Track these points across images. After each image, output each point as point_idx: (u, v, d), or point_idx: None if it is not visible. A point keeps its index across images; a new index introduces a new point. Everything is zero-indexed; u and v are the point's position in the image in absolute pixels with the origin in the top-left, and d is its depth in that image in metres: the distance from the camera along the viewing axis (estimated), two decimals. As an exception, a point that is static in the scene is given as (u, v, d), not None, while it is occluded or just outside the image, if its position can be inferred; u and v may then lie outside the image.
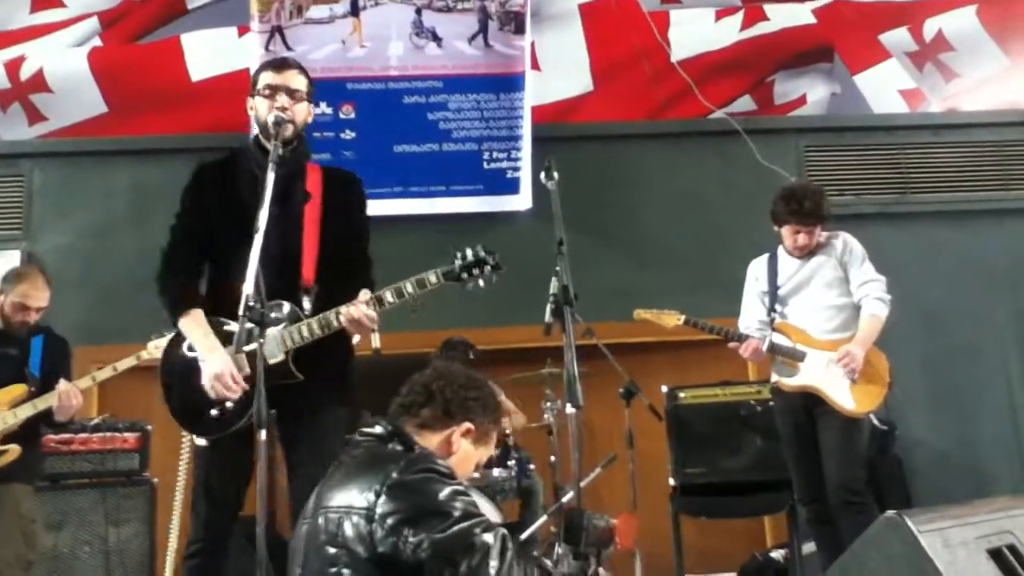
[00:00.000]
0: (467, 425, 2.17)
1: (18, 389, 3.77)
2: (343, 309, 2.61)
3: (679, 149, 6.22)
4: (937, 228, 6.07)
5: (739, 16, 6.30)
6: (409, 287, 2.64)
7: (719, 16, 6.32)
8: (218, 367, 2.60)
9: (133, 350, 5.26)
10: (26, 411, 3.71)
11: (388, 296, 2.64)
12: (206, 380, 2.63)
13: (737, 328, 4.14)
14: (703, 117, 6.23)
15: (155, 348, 3.75)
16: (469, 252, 2.70)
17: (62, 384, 3.71)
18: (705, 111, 6.23)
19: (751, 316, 4.19)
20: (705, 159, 6.21)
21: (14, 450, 3.70)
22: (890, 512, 2.06)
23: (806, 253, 4.07)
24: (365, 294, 2.62)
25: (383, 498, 1.92)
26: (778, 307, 4.10)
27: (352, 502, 1.95)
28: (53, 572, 4.03)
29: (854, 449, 3.88)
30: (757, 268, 4.24)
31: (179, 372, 2.75)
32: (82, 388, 3.77)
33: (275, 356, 2.59)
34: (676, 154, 6.22)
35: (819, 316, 4.02)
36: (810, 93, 6.35)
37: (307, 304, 2.67)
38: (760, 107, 6.31)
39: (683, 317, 4.19)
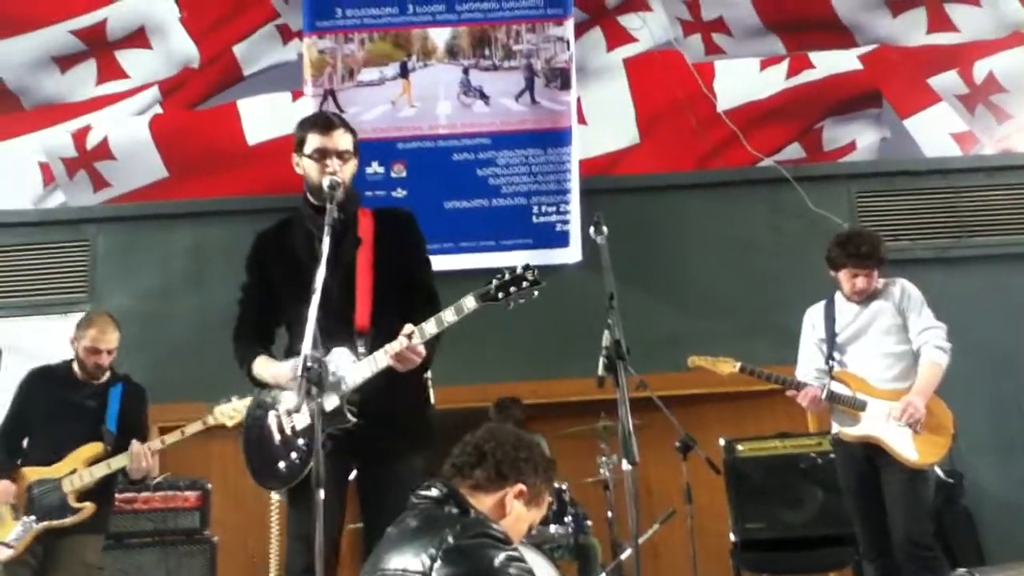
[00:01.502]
0: (520, 487, 2.16)
1: (95, 448, 3.87)
2: (387, 346, 2.62)
3: (727, 198, 6.22)
4: (995, 271, 5.95)
5: (784, 65, 6.32)
6: (449, 315, 2.63)
7: (764, 65, 6.35)
8: (289, 364, 2.68)
9: (194, 408, 5.36)
10: (101, 470, 3.82)
11: (428, 327, 2.62)
12: (290, 380, 2.66)
13: (793, 375, 4.08)
14: (751, 166, 6.23)
15: (220, 414, 3.84)
16: (506, 272, 2.66)
17: (135, 446, 3.80)
18: (753, 160, 6.22)
19: (808, 364, 4.12)
20: (754, 207, 6.19)
21: (88, 508, 3.80)
22: (961, 570, 1.99)
23: (864, 298, 4.01)
24: (407, 327, 2.61)
25: (439, 563, 1.92)
26: (836, 355, 4.04)
27: (408, 565, 1.95)
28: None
29: (920, 501, 3.77)
30: (814, 315, 4.19)
31: (254, 430, 2.80)
32: (153, 450, 3.86)
33: (331, 403, 2.60)
34: (724, 203, 6.21)
35: (878, 364, 3.94)
36: (860, 139, 6.32)
37: (362, 349, 2.69)
38: (809, 154, 6.29)
39: (739, 364, 4.14)
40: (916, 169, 6.21)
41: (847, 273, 3.99)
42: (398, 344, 2.59)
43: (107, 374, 4.03)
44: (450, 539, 1.95)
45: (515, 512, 2.17)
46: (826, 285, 4.15)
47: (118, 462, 3.82)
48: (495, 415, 5.17)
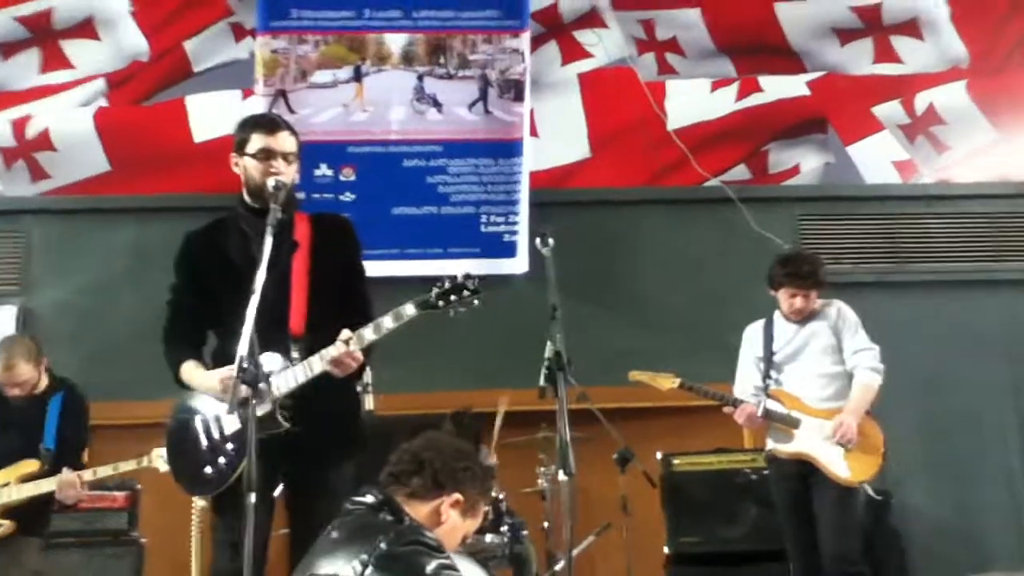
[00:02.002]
0: (456, 496, 2.16)
1: (31, 466, 3.78)
2: (323, 351, 2.59)
3: (675, 216, 6.29)
4: (931, 297, 6.10)
5: (734, 87, 6.42)
6: (388, 321, 2.59)
7: (715, 87, 6.44)
8: (218, 374, 2.62)
9: (128, 407, 5.27)
10: (29, 490, 3.74)
11: (367, 333, 2.59)
12: (217, 391, 2.62)
13: (732, 393, 4.14)
14: (699, 185, 6.31)
15: (158, 458, 3.75)
16: (446, 280, 2.63)
17: (65, 475, 3.72)
18: (701, 179, 6.30)
19: (746, 381, 4.19)
20: (701, 226, 6.27)
21: (8, 526, 3.72)
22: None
23: (802, 318, 4.08)
24: (345, 333, 2.59)
25: (370, 569, 1.91)
26: (773, 373, 4.11)
27: (339, 571, 1.94)
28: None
29: (849, 519, 3.85)
30: (752, 333, 4.26)
31: (179, 435, 2.75)
32: (83, 480, 3.78)
33: (263, 407, 2.55)
34: (672, 220, 6.28)
35: (813, 384, 4.03)
36: (804, 163, 6.44)
37: (295, 354, 2.65)
38: (755, 176, 6.40)
39: (679, 380, 4.20)
40: (858, 195, 6.35)
41: (785, 292, 4.07)
42: (335, 349, 2.56)
43: (44, 383, 3.92)
44: (383, 545, 1.94)
45: (451, 521, 2.16)
46: (768, 305, 4.23)
47: (48, 484, 3.73)
48: (451, 427, 5.15)
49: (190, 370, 2.75)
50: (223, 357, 2.74)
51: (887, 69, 6.48)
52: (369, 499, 2.11)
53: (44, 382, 3.92)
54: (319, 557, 2.02)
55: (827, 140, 6.44)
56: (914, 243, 6.27)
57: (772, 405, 4.02)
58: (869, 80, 6.47)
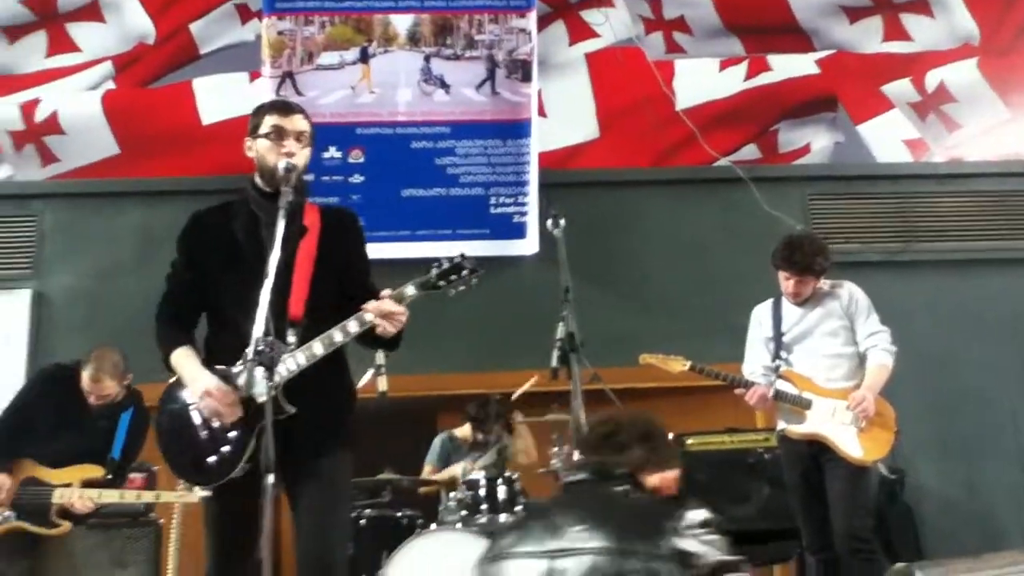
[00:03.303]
0: (676, 472, 2.21)
1: (94, 471, 3.88)
2: (369, 305, 2.57)
3: (684, 196, 6.27)
4: (942, 276, 6.09)
5: (743, 66, 6.39)
6: (409, 290, 2.63)
7: (723, 66, 6.41)
8: (205, 384, 2.58)
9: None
10: (87, 502, 3.82)
11: (366, 316, 2.60)
12: (198, 401, 2.60)
13: (742, 374, 4.14)
14: (708, 165, 6.28)
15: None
16: (444, 260, 2.68)
17: (76, 494, 3.80)
18: (710, 159, 6.28)
19: (755, 362, 4.19)
20: (710, 206, 6.25)
21: (65, 527, 3.82)
22: (900, 564, 2.04)
23: (803, 301, 4.10)
24: (386, 292, 2.61)
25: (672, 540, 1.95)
26: (783, 354, 4.11)
27: (612, 544, 1.95)
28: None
29: (861, 497, 3.87)
30: (761, 313, 4.26)
31: (173, 424, 2.71)
32: (95, 501, 3.87)
33: (262, 394, 2.50)
34: (681, 201, 6.27)
35: (823, 364, 4.03)
36: (814, 142, 6.41)
37: (291, 338, 2.62)
38: (764, 155, 6.37)
39: (689, 363, 4.20)
40: (868, 174, 6.33)
41: (782, 275, 4.10)
42: (384, 303, 2.56)
43: (121, 395, 4.00)
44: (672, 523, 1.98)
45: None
46: (777, 286, 4.22)
47: (108, 496, 3.85)
48: (475, 412, 5.19)
49: (182, 358, 2.70)
50: (214, 347, 2.72)
51: (897, 47, 6.44)
52: (618, 472, 2.12)
53: (121, 394, 4.00)
54: (562, 530, 1.99)
55: (837, 119, 6.40)
56: (925, 222, 6.24)
57: (783, 386, 4.03)
58: (879, 58, 6.43)
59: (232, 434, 2.61)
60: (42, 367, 4.11)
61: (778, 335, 4.12)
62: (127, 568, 4.54)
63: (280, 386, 2.57)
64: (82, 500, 3.79)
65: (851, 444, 3.87)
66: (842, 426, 3.89)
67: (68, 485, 3.81)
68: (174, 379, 2.73)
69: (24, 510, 3.77)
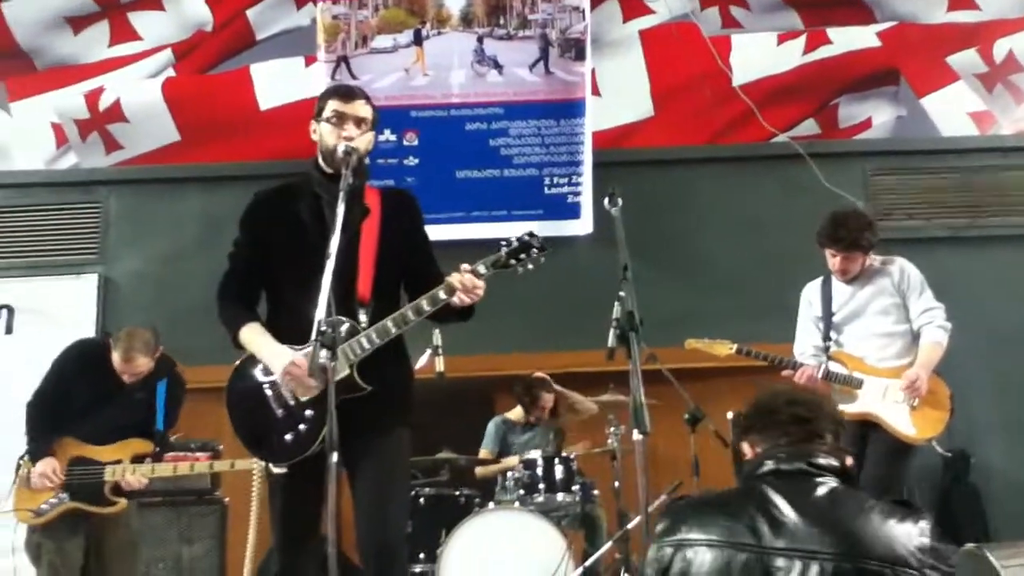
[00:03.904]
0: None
1: (142, 446, 3.89)
2: (454, 277, 2.62)
3: (741, 173, 6.18)
4: (1009, 252, 5.93)
5: (802, 40, 6.26)
6: (482, 268, 2.66)
7: (781, 40, 6.29)
8: (288, 357, 2.62)
9: (202, 372, 5.41)
10: (140, 478, 3.82)
11: (440, 294, 2.64)
12: (279, 377, 2.64)
13: (792, 355, 4.08)
14: (765, 141, 6.19)
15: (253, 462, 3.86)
16: (514, 239, 2.71)
17: (128, 470, 3.81)
18: (767, 135, 6.18)
19: (806, 341, 4.12)
20: (767, 183, 6.15)
21: (121, 504, 3.83)
22: (970, 545, 1.99)
23: (852, 279, 4.01)
24: (465, 266, 2.65)
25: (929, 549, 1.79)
26: (833, 334, 4.04)
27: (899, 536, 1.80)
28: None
29: (894, 473, 3.83)
30: (811, 292, 4.18)
31: (246, 402, 2.75)
32: (157, 475, 3.90)
33: (340, 371, 2.57)
34: (738, 178, 6.18)
35: (874, 343, 3.96)
36: (875, 116, 6.27)
37: (363, 318, 2.67)
38: (824, 131, 6.25)
39: (735, 346, 4.15)
40: (932, 148, 6.17)
41: (829, 253, 4.01)
42: (467, 277, 2.61)
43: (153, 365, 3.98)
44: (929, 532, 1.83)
45: None
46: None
47: (161, 471, 3.87)
48: (521, 390, 5.24)
49: (254, 334, 2.73)
50: (276, 326, 2.76)
51: (962, 16, 6.25)
52: (835, 463, 1.97)
53: (153, 365, 4.00)
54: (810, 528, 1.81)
55: (899, 92, 6.25)
56: (991, 197, 6.08)
57: (833, 367, 3.96)
58: (943, 28, 6.25)
59: (308, 413, 2.65)
60: (68, 345, 4.04)
61: (828, 315, 4.04)
62: (194, 544, 4.64)
63: (355, 365, 2.62)
64: (135, 476, 3.79)
65: (903, 422, 3.81)
66: (894, 405, 3.84)
67: (118, 462, 3.82)
68: (245, 356, 2.77)
69: (77, 490, 3.78)
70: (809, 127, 6.24)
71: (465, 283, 2.61)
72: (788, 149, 6.08)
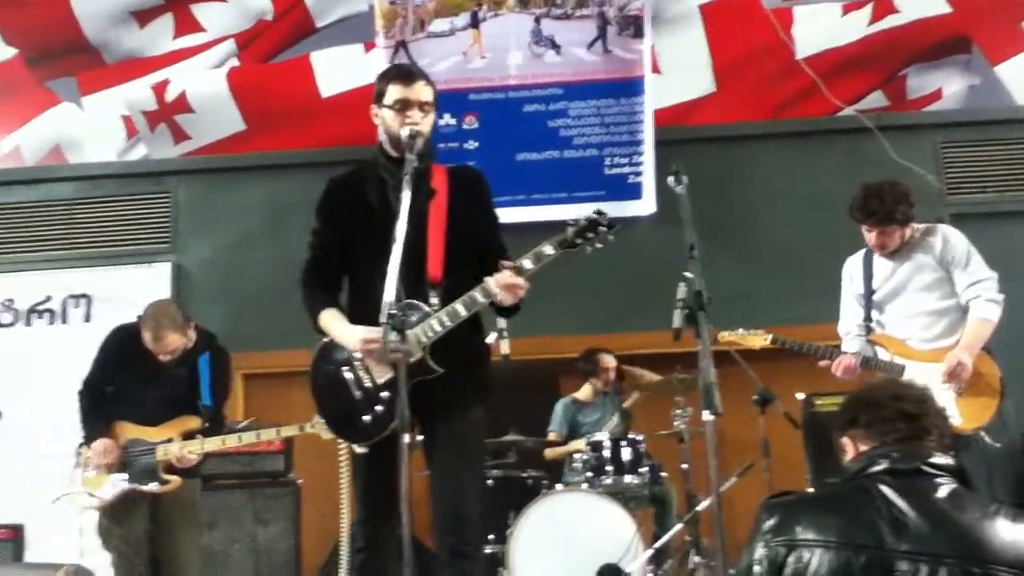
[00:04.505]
0: None
1: (191, 422, 3.89)
2: (493, 279, 2.61)
3: (806, 149, 6.06)
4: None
5: (867, 9, 6.09)
6: (527, 263, 2.64)
7: (846, 10, 6.13)
8: (360, 333, 2.66)
9: (270, 357, 5.54)
10: (192, 450, 3.81)
11: (527, 263, 2.63)
12: (357, 351, 2.68)
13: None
14: (831, 115, 6.05)
15: (319, 424, 3.88)
16: (581, 218, 2.67)
17: (178, 447, 3.81)
18: (833, 109, 6.04)
19: (850, 320, 3.94)
20: (834, 158, 6.02)
21: (175, 482, 3.85)
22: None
23: (893, 253, 3.79)
24: (508, 263, 2.65)
25: None
26: (875, 314, 3.84)
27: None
28: (208, 567, 4.22)
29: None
30: (852, 267, 3.98)
31: (328, 383, 2.81)
32: (206, 450, 3.87)
33: (413, 354, 2.61)
34: (803, 154, 6.07)
35: (918, 323, 3.73)
36: (946, 87, 6.08)
37: (434, 300, 2.69)
38: (892, 103, 6.08)
39: (770, 336, 4.03)
40: (1007, 118, 5.97)
41: (864, 228, 3.79)
42: (505, 276, 2.60)
43: (192, 341, 3.98)
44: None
45: None
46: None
47: (211, 445, 3.85)
48: (584, 365, 5.26)
49: (332, 319, 2.80)
50: (354, 309, 2.81)
51: (1039, -21, 6.02)
52: (952, 462, 1.91)
53: (192, 339, 4.00)
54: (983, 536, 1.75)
55: (971, 61, 6.04)
56: (1071, 168, 5.86)
57: (872, 353, 3.78)
58: (1018, -8, 6.02)
59: (384, 394, 2.70)
60: (109, 332, 4.08)
61: (869, 292, 3.83)
62: (269, 526, 4.73)
63: (428, 347, 2.65)
64: (186, 453, 3.80)
65: (948, 412, 3.62)
66: (938, 390, 3.46)
67: (169, 440, 3.83)
68: (327, 339, 2.83)
69: (133, 471, 3.81)
70: (876, 99, 6.08)
71: (502, 282, 2.61)
72: (855, 123, 5.94)
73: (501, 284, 2.61)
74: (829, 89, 6.02)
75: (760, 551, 1.89)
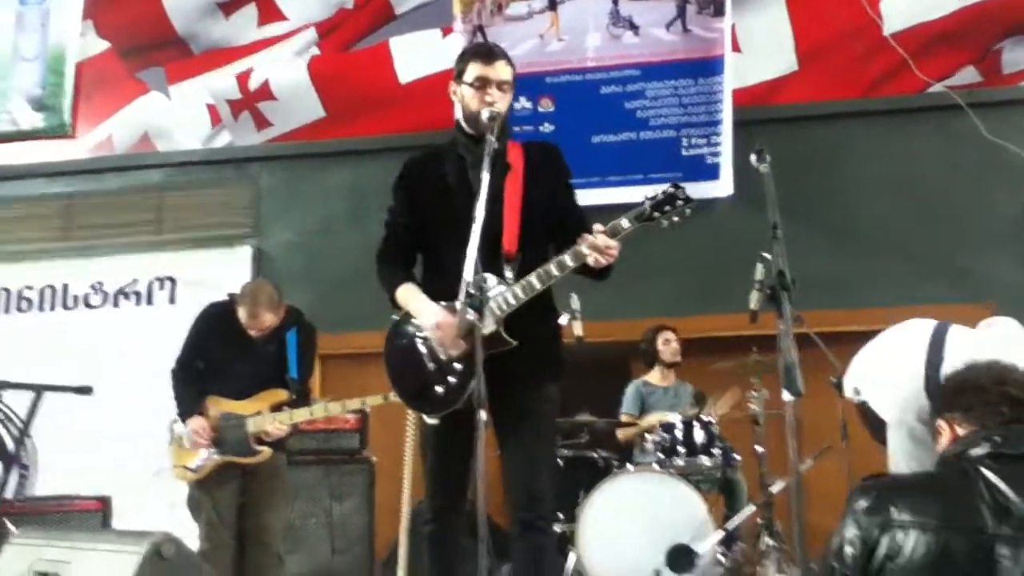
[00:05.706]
0: None
1: (280, 395, 3.99)
2: (585, 239, 2.59)
3: (895, 127, 5.86)
4: None
5: (959, -18, 5.85)
6: (623, 223, 2.63)
7: (937, -16, 5.89)
8: (435, 317, 2.70)
9: (351, 338, 5.64)
10: (283, 422, 3.90)
11: (582, 249, 2.62)
12: (429, 332, 2.72)
13: None
14: (920, 92, 5.83)
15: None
16: (659, 192, 2.64)
17: (268, 419, 3.90)
18: (922, 86, 5.83)
19: None
20: (924, 137, 5.81)
21: (266, 452, 3.96)
22: None
23: None
24: (598, 227, 2.62)
25: None
26: None
27: None
28: (286, 540, 4.29)
29: None
30: None
31: (402, 356, 2.84)
32: (294, 421, 3.96)
33: (488, 327, 2.61)
34: (891, 133, 5.86)
35: None
36: (1046, 60, 5.80)
37: (509, 274, 2.70)
38: (986, 79, 5.82)
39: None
40: (1111, 92, 5.66)
41: None
42: (598, 238, 2.58)
43: (281, 318, 4.08)
44: None
45: None
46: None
47: (299, 416, 3.95)
48: (647, 346, 5.23)
49: (408, 293, 2.83)
50: (429, 288, 2.83)
51: None
52: None
53: (282, 317, 4.10)
54: None
55: (1073, 33, 5.75)
56: None
57: None
58: (1125, -42, 5.69)
59: (457, 366, 2.71)
60: (200, 310, 4.20)
61: None
62: (344, 502, 4.83)
63: (502, 320, 2.66)
64: (275, 425, 3.90)
65: None
66: None
67: (259, 413, 3.92)
68: (402, 314, 2.86)
69: (225, 444, 3.91)
70: (969, 75, 5.83)
71: (597, 244, 2.59)
72: (946, 100, 5.71)
73: (594, 246, 2.59)
74: (919, 66, 5.80)
75: (852, 531, 1.86)
